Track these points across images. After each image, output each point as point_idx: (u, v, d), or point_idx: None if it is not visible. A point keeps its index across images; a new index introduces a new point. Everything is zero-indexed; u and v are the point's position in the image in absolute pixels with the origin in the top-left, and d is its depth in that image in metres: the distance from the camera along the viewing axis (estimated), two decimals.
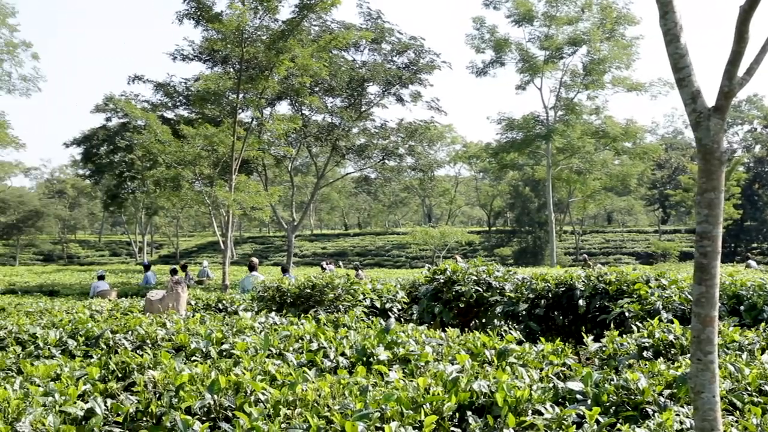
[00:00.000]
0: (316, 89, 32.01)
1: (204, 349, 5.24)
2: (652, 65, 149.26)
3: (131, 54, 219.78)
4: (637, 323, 6.13)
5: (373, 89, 35.10)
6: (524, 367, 4.53)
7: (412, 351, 4.92)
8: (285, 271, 19.79)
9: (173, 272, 22.76)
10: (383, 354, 4.78)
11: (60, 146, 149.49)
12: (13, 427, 3.31)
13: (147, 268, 25.11)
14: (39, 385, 4.10)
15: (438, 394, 3.73)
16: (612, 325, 6.63)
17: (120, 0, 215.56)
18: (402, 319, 8.38)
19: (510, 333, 5.81)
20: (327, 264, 25.17)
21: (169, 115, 36.00)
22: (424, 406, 3.57)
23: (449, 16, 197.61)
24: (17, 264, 72.27)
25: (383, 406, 3.46)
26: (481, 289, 8.52)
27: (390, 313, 8.51)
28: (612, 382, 4.00)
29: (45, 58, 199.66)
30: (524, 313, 8.23)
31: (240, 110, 26.27)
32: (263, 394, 3.74)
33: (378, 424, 3.32)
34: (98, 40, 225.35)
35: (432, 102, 35.74)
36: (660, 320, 5.88)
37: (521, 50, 45.24)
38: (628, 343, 5.31)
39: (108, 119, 48.25)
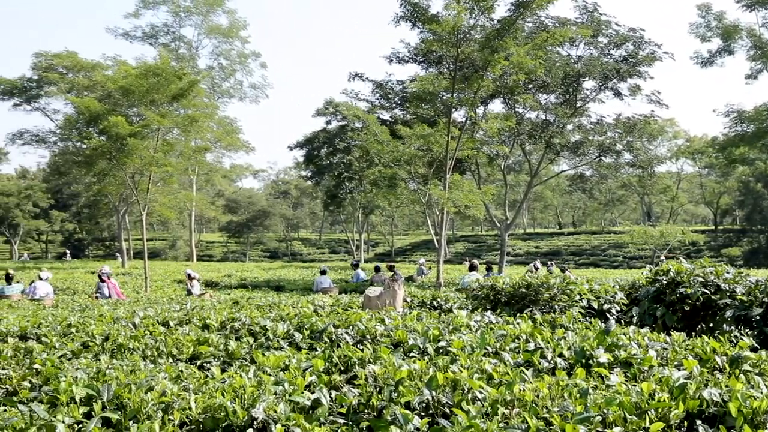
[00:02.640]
0: (530, 86, 31.60)
1: (421, 346, 5.31)
2: None
3: (351, 59, 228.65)
4: None
5: (588, 84, 34.03)
6: (761, 376, 4.20)
7: (634, 354, 4.70)
8: (488, 269, 19.82)
9: (391, 268, 23.44)
10: (603, 356, 4.61)
11: (285, 149, 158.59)
12: (248, 412, 3.54)
13: (356, 266, 26.12)
14: (270, 375, 4.35)
15: (664, 400, 3.55)
16: None
17: (341, 9, 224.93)
18: (621, 321, 8.07)
19: (743, 339, 5.42)
20: (541, 264, 24.85)
21: (385, 116, 37.00)
22: (648, 412, 3.41)
23: (668, 3, 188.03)
24: (247, 260, 77.35)
25: (605, 410, 3.34)
26: (708, 292, 8.01)
27: (608, 315, 8.22)
28: None
29: (271, 65, 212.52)
30: (758, 318, 7.64)
31: (454, 110, 26.49)
32: (480, 392, 3.74)
33: (599, 429, 3.21)
34: (320, 46, 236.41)
35: (652, 95, 34.08)
36: None
37: (753, 36, 42.07)
38: None
39: (328, 122, 50.44)
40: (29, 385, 4.55)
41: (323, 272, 22.38)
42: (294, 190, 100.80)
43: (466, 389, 3.82)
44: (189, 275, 19.51)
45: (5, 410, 3.69)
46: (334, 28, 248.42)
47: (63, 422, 3.33)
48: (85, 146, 32.08)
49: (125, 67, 31.78)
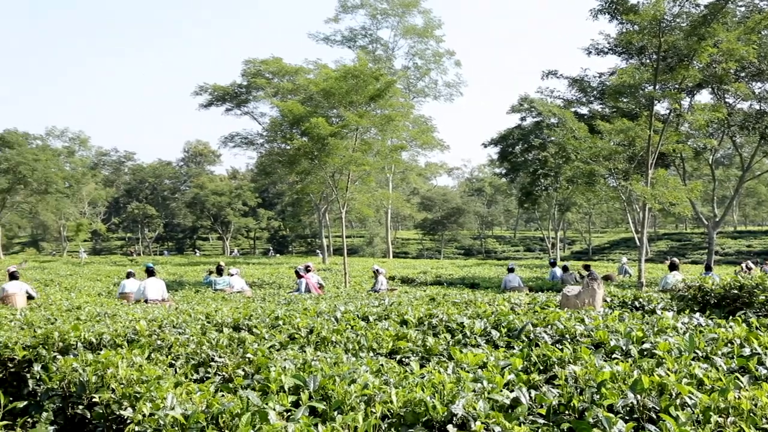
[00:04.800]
0: (742, 74, 29.57)
1: (624, 347, 5.13)
2: None
3: (545, 54, 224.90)
4: None
5: None
6: None
7: None
8: (708, 269, 18.70)
9: (586, 267, 22.80)
10: None
11: (479, 147, 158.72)
12: (448, 408, 3.56)
13: (553, 264, 25.62)
14: (468, 372, 4.37)
15: None
16: None
17: (534, 4, 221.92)
18: None
19: None
20: (753, 264, 23.24)
21: (582, 110, 36.00)
22: None
23: None
24: (441, 257, 78.12)
25: None
26: None
27: None
28: None
29: (465, 63, 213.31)
30: None
31: (657, 102, 25.32)
32: (690, 398, 3.55)
33: None
34: (514, 42, 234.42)
35: None
36: None
37: None
38: None
39: (522, 119, 49.82)
40: (243, 373, 4.84)
41: (511, 270, 21.97)
42: (488, 188, 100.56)
43: (674, 394, 3.64)
44: (376, 271, 19.88)
45: (222, 395, 3.94)
46: (527, 22, 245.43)
47: (274, 409, 3.51)
48: (288, 147, 33.65)
49: (326, 70, 33.09)
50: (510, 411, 3.60)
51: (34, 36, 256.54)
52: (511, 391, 3.82)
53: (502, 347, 5.77)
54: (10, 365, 6.28)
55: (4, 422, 3.60)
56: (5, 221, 78.10)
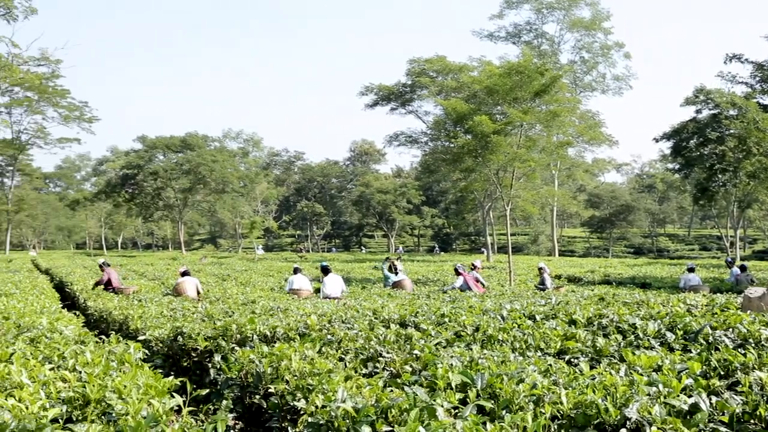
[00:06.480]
0: None
1: None
2: None
3: (724, 42, 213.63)
4: None
5: None
6: None
7: None
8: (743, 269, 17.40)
9: (742, 268, 21.50)
10: None
11: (649, 141, 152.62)
12: (621, 411, 3.45)
13: (730, 264, 24.24)
14: (642, 374, 4.20)
15: None
16: None
17: None
18: None
19: None
20: None
21: (766, 101, 33.81)
22: None
23: None
24: (610, 256, 75.81)
25: None
26: None
27: None
28: None
29: (637, 55, 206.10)
30: None
31: None
32: None
33: None
34: (687, 30, 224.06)
35: None
36: None
37: None
38: None
39: (698, 111, 47.45)
40: (410, 369, 4.90)
41: (691, 269, 20.98)
42: (660, 184, 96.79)
43: None
44: (541, 268, 19.60)
45: (391, 390, 4.00)
46: (705, 11, 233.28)
47: (442, 406, 3.52)
48: (452, 145, 33.76)
49: (490, 67, 32.91)
50: (688, 417, 3.43)
51: (214, 37, 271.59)
52: (689, 396, 3.64)
53: (677, 350, 5.53)
54: (194, 355, 6.68)
55: (190, 408, 3.82)
56: (187, 219, 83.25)
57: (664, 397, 3.60)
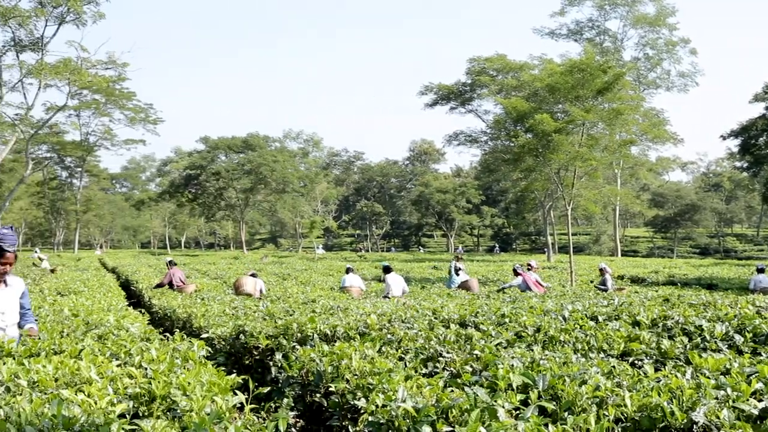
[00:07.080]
0: None
1: None
2: None
3: None
4: None
5: None
6: None
7: None
8: None
9: None
10: None
11: (716, 139, 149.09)
12: (687, 415, 3.37)
13: None
14: (709, 378, 4.10)
15: None
16: None
17: None
18: None
19: None
20: None
21: None
22: None
23: None
24: (675, 256, 74.31)
25: None
26: None
27: None
28: None
29: (702, 50, 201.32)
30: None
31: None
32: None
33: None
34: (757, 24, 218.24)
35: None
36: None
37: None
38: None
39: None
40: (470, 369, 4.87)
41: (761, 270, 20.39)
42: (727, 183, 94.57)
43: None
44: (602, 269, 19.28)
45: (451, 390, 3.99)
46: None
47: (503, 407, 3.49)
48: (512, 144, 33.48)
49: (551, 65, 32.51)
50: (758, 422, 3.34)
51: (276, 39, 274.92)
52: (760, 400, 3.55)
53: (747, 353, 5.38)
54: (255, 353, 6.75)
55: (252, 405, 3.86)
56: (248, 219, 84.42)
57: (733, 401, 3.50)
